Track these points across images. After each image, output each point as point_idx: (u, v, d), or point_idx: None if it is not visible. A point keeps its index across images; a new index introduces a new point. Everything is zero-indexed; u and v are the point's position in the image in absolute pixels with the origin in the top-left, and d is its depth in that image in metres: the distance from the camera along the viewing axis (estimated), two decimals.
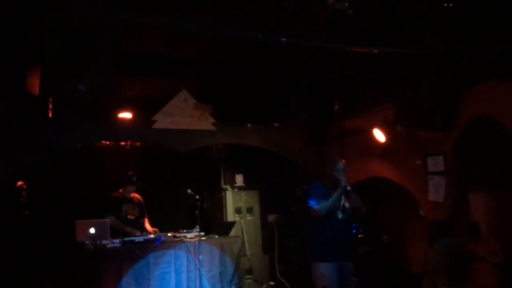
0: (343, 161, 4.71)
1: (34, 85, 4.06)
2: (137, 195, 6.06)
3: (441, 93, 4.96)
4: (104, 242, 5.02)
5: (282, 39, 4.49)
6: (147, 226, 6.01)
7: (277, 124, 7.00)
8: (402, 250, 6.45)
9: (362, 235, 6.68)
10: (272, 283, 6.50)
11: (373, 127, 6.13)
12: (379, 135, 6.05)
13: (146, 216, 6.11)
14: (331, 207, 4.48)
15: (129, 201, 5.93)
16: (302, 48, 5.02)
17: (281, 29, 4.46)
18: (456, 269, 2.49)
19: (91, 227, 5.04)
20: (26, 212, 4.81)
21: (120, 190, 5.92)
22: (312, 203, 4.49)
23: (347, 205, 4.58)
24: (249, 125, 6.79)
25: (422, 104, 4.99)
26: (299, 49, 5.18)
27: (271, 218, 6.95)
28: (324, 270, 4.45)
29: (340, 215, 4.54)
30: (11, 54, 4.33)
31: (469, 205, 5.04)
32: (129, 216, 5.83)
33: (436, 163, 5.51)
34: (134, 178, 5.91)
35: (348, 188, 4.53)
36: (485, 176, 5.01)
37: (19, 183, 4.91)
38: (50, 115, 4.65)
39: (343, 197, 4.54)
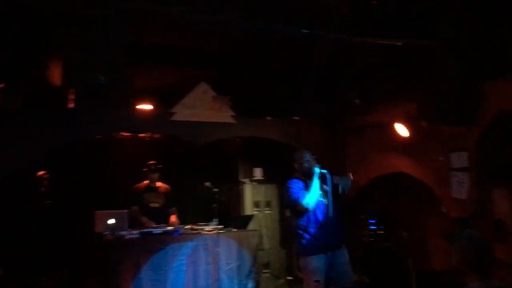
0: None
1: (55, 76, 4.09)
2: (165, 185, 6.10)
3: (465, 87, 4.84)
4: (122, 233, 5.05)
5: (303, 30, 4.42)
6: (173, 216, 6.03)
7: (296, 117, 6.94)
8: (422, 247, 6.34)
9: (381, 231, 6.58)
10: (289, 277, 6.46)
11: (394, 121, 6.02)
12: (401, 130, 5.94)
13: (176, 207, 6.12)
14: (315, 196, 4.48)
15: (152, 189, 5.98)
16: (322, 39, 4.94)
17: (302, 20, 4.39)
18: (480, 263, 2.43)
19: (110, 218, 5.08)
20: (47, 201, 4.85)
21: (145, 181, 5.98)
22: (298, 199, 4.48)
23: (325, 188, 4.57)
24: (268, 118, 6.74)
25: (445, 98, 4.87)
26: (320, 41, 5.09)
27: (289, 212, 6.88)
28: (318, 263, 4.43)
29: (325, 200, 4.56)
30: (34, 46, 4.35)
31: (493, 203, 4.92)
32: (151, 205, 5.88)
33: (459, 159, 5.38)
34: (153, 167, 5.93)
35: (323, 171, 4.51)
36: (510, 172, 4.88)
37: (40, 173, 4.96)
38: (71, 106, 4.68)
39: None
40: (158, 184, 6.07)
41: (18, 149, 5.08)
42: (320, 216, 4.53)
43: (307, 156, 4.69)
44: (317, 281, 4.38)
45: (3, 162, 4.97)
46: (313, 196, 4.47)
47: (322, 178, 4.54)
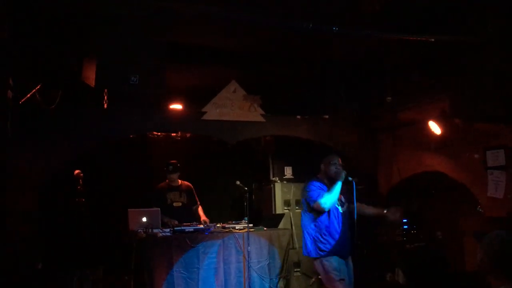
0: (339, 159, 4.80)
1: (90, 76, 4.18)
2: (186, 182, 6.15)
3: (503, 83, 4.70)
4: (155, 230, 5.12)
5: (334, 28, 4.38)
6: (201, 213, 6.09)
7: (327, 116, 6.89)
8: (457, 247, 6.20)
9: (414, 231, 6.47)
10: (320, 276, 6.41)
11: (427, 118, 5.91)
12: (435, 128, 5.82)
13: (199, 203, 6.19)
14: (334, 199, 4.51)
15: (175, 189, 6.04)
16: (354, 37, 4.88)
17: (333, 18, 4.35)
18: (508, 264, 2.34)
19: (143, 216, 5.16)
20: (83, 199, 4.97)
21: (167, 181, 6.04)
22: (316, 198, 4.50)
23: (343, 199, 4.67)
24: (298, 116, 6.72)
25: (482, 95, 4.74)
26: (351, 38, 5.03)
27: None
28: (338, 263, 4.49)
29: (340, 209, 4.63)
30: (69, 46, 4.46)
31: None
32: (175, 204, 5.94)
33: (496, 157, 5.24)
34: (171, 167, 5.98)
35: (350, 178, 4.51)
36: None
37: (77, 171, 5.08)
38: (105, 106, 4.77)
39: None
40: (179, 182, 6.12)
41: (54, 148, 5.22)
42: (335, 222, 4.58)
43: (336, 160, 4.72)
44: (342, 279, 4.43)
45: (40, 160, 5.12)
46: (332, 198, 4.49)
47: (347, 186, 4.57)
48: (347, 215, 4.70)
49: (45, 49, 4.44)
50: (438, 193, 6.51)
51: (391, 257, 6.55)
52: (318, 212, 4.54)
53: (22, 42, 4.13)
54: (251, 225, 5.64)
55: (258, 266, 5.56)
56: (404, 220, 6.54)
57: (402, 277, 6.31)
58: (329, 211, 4.55)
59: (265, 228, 5.87)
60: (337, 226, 4.57)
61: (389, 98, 6.17)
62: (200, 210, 6.18)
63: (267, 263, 5.64)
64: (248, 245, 5.38)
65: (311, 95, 6.75)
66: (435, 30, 4.72)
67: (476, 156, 5.48)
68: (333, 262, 4.49)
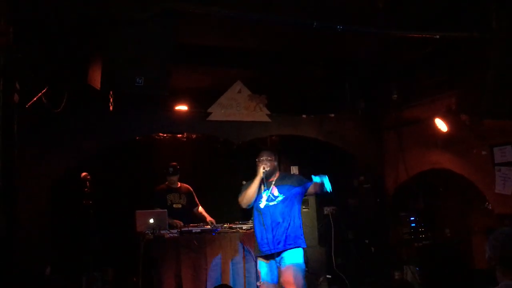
0: (269, 151, 4.72)
1: (95, 78, 4.18)
2: (185, 185, 6.14)
3: (509, 79, 4.66)
4: (162, 232, 5.13)
5: (338, 26, 4.36)
6: (205, 214, 6.08)
7: (332, 115, 6.88)
8: (466, 245, 6.17)
9: (422, 229, 6.45)
10: (328, 276, 6.40)
11: (434, 116, 5.89)
12: (441, 125, 5.80)
13: (199, 204, 6.17)
14: (251, 196, 4.47)
15: (174, 190, 6.03)
16: (358, 35, 4.86)
17: (337, 15, 4.34)
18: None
19: (150, 217, 5.17)
20: (90, 201, 4.98)
21: (166, 183, 6.04)
22: (239, 196, 4.60)
23: (276, 192, 4.50)
24: (304, 116, 6.71)
25: (488, 91, 4.71)
26: (355, 36, 5.02)
27: (327, 210, 6.82)
28: (260, 266, 4.51)
29: (262, 204, 4.49)
30: (74, 48, 4.47)
31: None
32: (175, 206, 5.94)
33: (503, 153, 5.21)
34: (171, 169, 5.98)
35: (264, 172, 4.43)
36: None
37: (83, 174, 5.10)
38: (111, 108, 4.78)
39: (272, 187, 4.50)
40: (179, 184, 6.11)
41: (60, 150, 5.25)
42: (261, 220, 4.46)
43: (262, 157, 4.57)
44: (261, 283, 4.45)
45: (47, 164, 5.15)
46: (247, 195, 4.48)
47: (275, 182, 4.53)
48: (279, 209, 4.45)
49: (51, 53, 4.46)
50: (446, 191, 6.48)
51: (399, 255, 6.53)
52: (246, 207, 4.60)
53: (28, 46, 4.15)
54: None
55: None
56: (412, 218, 6.52)
57: (410, 276, 6.28)
58: (254, 209, 4.55)
59: None
60: (262, 224, 4.42)
61: (395, 96, 6.16)
62: (203, 210, 6.15)
63: None
64: None
65: (317, 94, 6.75)
66: (440, 27, 4.70)
67: (483, 152, 5.46)
68: (258, 264, 4.56)
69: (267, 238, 4.37)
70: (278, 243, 4.38)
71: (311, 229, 6.68)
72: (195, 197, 6.20)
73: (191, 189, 6.18)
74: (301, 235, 4.52)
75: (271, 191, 4.52)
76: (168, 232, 5.19)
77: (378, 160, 7.07)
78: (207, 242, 5.23)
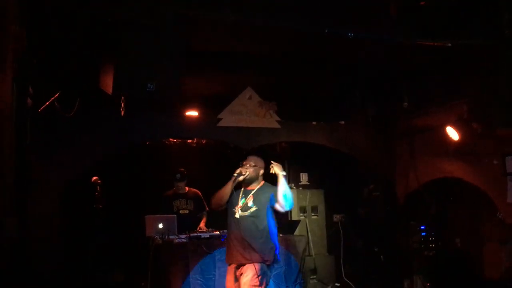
0: (258, 157, 4.32)
1: (107, 83, 4.23)
2: (193, 189, 6.11)
3: None
4: (171, 237, 5.14)
5: (349, 33, 4.37)
6: (202, 219, 5.98)
7: (343, 122, 6.86)
8: (476, 255, 6.10)
9: (432, 238, 6.39)
10: (337, 284, 6.37)
11: (445, 124, 5.85)
12: (453, 133, 5.76)
13: (207, 209, 6.07)
14: (220, 198, 4.15)
15: (181, 196, 6.01)
16: (370, 42, 4.86)
17: (349, 22, 4.34)
18: None
19: (159, 222, 5.17)
20: (100, 205, 5.01)
21: (174, 188, 6.04)
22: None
23: (250, 203, 4.13)
24: (314, 122, 6.71)
25: (500, 99, 4.69)
26: (367, 43, 5.02)
27: (336, 218, 6.80)
28: (227, 273, 4.21)
29: (236, 214, 4.12)
30: (87, 54, 4.52)
31: None
32: (181, 212, 5.91)
33: None
34: (178, 175, 5.96)
35: (236, 175, 4.08)
36: None
37: (94, 178, 5.13)
38: (122, 113, 4.83)
39: (249, 196, 4.14)
40: (187, 189, 6.10)
41: (71, 154, 5.29)
42: (232, 228, 4.16)
43: (248, 161, 4.25)
44: None
45: (59, 167, 5.19)
46: (216, 197, 4.21)
47: (254, 192, 4.17)
48: (252, 221, 4.08)
49: (63, 58, 4.51)
50: (457, 200, 6.42)
51: (409, 264, 6.47)
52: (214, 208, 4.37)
53: (41, 51, 4.20)
54: None
55: (275, 272, 5.47)
56: (422, 227, 6.47)
57: (420, 285, 6.22)
58: (228, 215, 4.22)
59: (281, 235, 5.83)
60: (232, 233, 4.16)
61: (406, 103, 6.13)
62: (204, 216, 6.06)
63: (283, 270, 5.60)
64: None
65: (327, 101, 6.74)
66: (452, 34, 4.68)
67: (495, 161, 5.41)
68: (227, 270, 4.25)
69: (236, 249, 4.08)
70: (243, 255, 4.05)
71: (320, 236, 6.66)
72: (204, 202, 6.19)
73: (200, 194, 6.17)
74: (269, 249, 4.12)
75: (246, 199, 4.19)
76: (177, 237, 5.19)
77: (388, 168, 7.03)
78: (216, 248, 5.22)
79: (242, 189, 4.26)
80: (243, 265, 4.04)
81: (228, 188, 4.14)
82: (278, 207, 4.12)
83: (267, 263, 4.08)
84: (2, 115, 2.72)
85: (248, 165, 4.21)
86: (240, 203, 4.18)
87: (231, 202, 4.20)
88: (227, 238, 4.29)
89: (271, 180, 4.32)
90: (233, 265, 4.13)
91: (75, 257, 5.50)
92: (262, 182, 4.31)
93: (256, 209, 4.12)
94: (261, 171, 4.29)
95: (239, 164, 4.28)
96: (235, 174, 4.12)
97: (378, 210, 6.98)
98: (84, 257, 5.45)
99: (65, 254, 5.25)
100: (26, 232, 3.54)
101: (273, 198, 4.13)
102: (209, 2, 4.02)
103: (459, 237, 6.36)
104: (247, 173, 4.17)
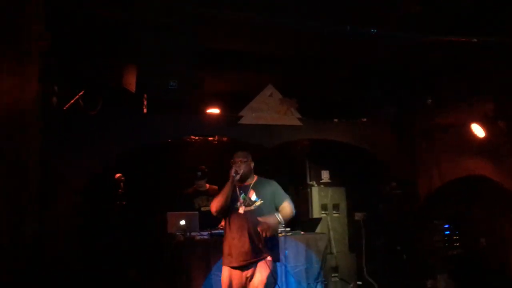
0: (245, 151, 4.26)
1: (130, 82, 4.28)
2: (213, 186, 6.14)
3: None
4: (193, 233, 5.18)
5: (372, 30, 4.33)
6: (223, 220, 6.01)
7: (364, 119, 6.81)
8: (502, 254, 5.98)
9: (456, 237, 6.30)
10: (359, 282, 6.33)
11: (468, 121, 5.75)
12: (478, 130, 5.65)
13: None
14: (222, 202, 4.04)
15: (202, 193, 6.03)
16: (392, 39, 4.80)
17: (371, 20, 4.30)
18: None
19: (181, 219, 5.21)
20: (124, 202, 5.08)
21: (194, 186, 6.07)
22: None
23: (253, 197, 4.10)
24: (335, 120, 6.67)
25: None
26: (389, 40, 4.96)
27: (358, 216, 6.75)
28: (226, 276, 4.04)
29: (240, 210, 4.06)
30: (110, 53, 4.58)
31: None
32: (203, 209, 5.94)
33: None
34: (199, 173, 5.98)
35: (234, 175, 4.00)
36: None
37: (118, 175, 5.20)
38: (144, 110, 4.88)
39: (249, 191, 4.11)
40: (207, 186, 6.12)
41: (94, 152, 5.37)
42: (234, 226, 4.07)
43: (237, 158, 4.19)
44: None
45: (83, 164, 5.28)
46: (218, 201, 4.07)
47: (252, 186, 4.15)
48: (259, 214, 4.02)
49: (88, 57, 4.58)
50: (483, 198, 6.31)
51: (432, 263, 6.39)
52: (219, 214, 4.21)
53: (65, 50, 4.27)
54: (288, 229, 5.61)
55: (296, 270, 5.52)
56: (445, 226, 6.38)
57: (443, 284, 6.14)
58: (229, 214, 4.11)
59: (302, 232, 5.83)
60: (235, 231, 4.04)
61: (429, 100, 6.04)
62: None
63: (304, 267, 5.60)
64: (285, 249, 5.36)
65: (348, 98, 6.69)
66: (477, 31, 4.59)
67: None
68: (223, 273, 4.09)
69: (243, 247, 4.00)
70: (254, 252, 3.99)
71: (342, 234, 6.64)
72: None
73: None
74: (275, 244, 4.15)
75: (248, 194, 4.14)
76: (199, 234, 5.23)
77: (410, 166, 6.95)
78: None
79: (237, 187, 4.17)
80: (253, 263, 3.98)
81: (228, 190, 4.06)
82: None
83: (275, 260, 4.06)
84: (28, 113, 2.78)
85: (239, 161, 4.16)
86: (241, 199, 4.12)
87: (230, 201, 4.12)
88: (228, 239, 4.13)
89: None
90: (238, 270, 4.00)
91: (96, 253, 5.59)
92: (256, 177, 4.29)
93: (261, 202, 4.10)
94: (252, 164, 4.27)
95: (230, 164, 4.20)
96: (233, 175, 4.05)
97: (399, 209, 6.91)
98: (105, 254, 5.53)
99: (86, 250, 5.33)
100: (48, 228, 3.61)
101: (277, 200, 4.15)
102: (230, 2, 4.03)
103: (484, 236, 6.25)
104: (242, 170, 4.12)
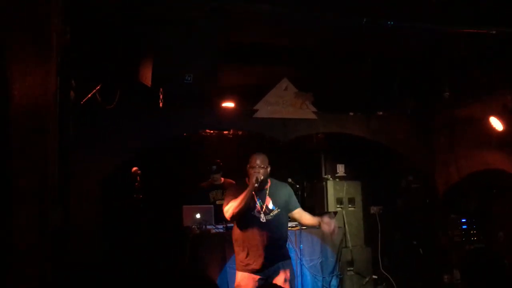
0: (263, 155, 4.21)
1: (147, 76, 4.30)
2: (229, 180, 6.15)
3: None
4: (209, 227, 5.21)
5: (389, 22, 4.27)
6: None
7: (380, 113, 6.75)
8: None
9: (474, 231, 6.23)
10: (375, 276, 6.31)
11: (488, 114, 5.67)
12: (497, 124, 5.57)
13: None
14: (241, 207, 3.98)
15: (218, 187, 6.06)
16: (410, 31, 4.73)
17: (389, 12, 4.24)
18: None
19: (197, 212, 5.25)
20: (141, 196, 5.12)
21: (209, 180, 6.09)
22: (224, 206, 4.11)
23: (271, 206, 4.11)
24: (351, 113, 6.62)
25: None
26: (407, 32, 4.89)
27: (374, 210, 6.71)
28: (241, 280, 4.05)
29: (263, 218, 4.05)
30: (127, 47, 4.60)
31: None
32: (218, 202, 5.96)
33: None
34: (214, 167, 5.99)
35: (256, 183, 3.97)
36: None
37: (134, 168, 5.24)
38: (160, 105, 4.90)
39: (265, 197, 4.11)
40: (222, 180, 6.13)
41: (111, 146, 5.42)
42: (253, 233, 4.05)
43: (254, 162, 4.12)
44: None
45: (99, 158, 5.33)
46: (237, 206, 4.00)
47: (262, 193, 4.14)
48: (278, 223, 4.13)
49: (104, 51, 4.60)
50: (501, 192, 6.22)
51: (449, 258, 6.34)
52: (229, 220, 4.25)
53: (83, 44, 4.29)
54: None
55: (311, 264, 5.53)
56: (463, 220, 6.31)
57: (460, 279, 6.09)
58: (246, 220, 4.08)
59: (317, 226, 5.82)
60: (257, 237, 4.03)
61: (447, 93, 5.96)
62: None
63: (319, 261, 5.60)
64: (301, 242, 5.36)
65: (365, 91, 6.63)
66: (497, 22, 4.50)
67: None
68: (238, 277, 4.11)
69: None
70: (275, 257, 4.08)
71: (357, 228, 6.61)
72: None
73: (235, 184, 6.20)
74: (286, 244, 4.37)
75: (265, 202, 4.14)
76: (214, 227, 5.26)
77: (428, 160, 6.88)
78: None
79: (253, 193, 4.12)
80: (272, 266, 4.05)
81: (248, 197, 4.02)
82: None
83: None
84: (47, 108, 2.81)
85: (257, 167, 4.10)
86: (259, 206, 4.12)
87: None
88: (244, 246, 4.09)
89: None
90: (257, 274, 4.01)
91: (114, 246, 5.65)
92: (269, 181, 4.27)
93: (279, 211, 4.16)
94: (269, 169, 4.23)
95: (247, 168, 4.18)
96: (255, 184, 4.01)
97: (417, 202, 6.86)
98: (124, 247, 5.59)
99: (105, 244, 5.39)
100: (69, 221, 3.65)
101: (291, 206, 4.26)
102: None
103: (503, 231, 6.17)
104: (262, 177, 4.08)
